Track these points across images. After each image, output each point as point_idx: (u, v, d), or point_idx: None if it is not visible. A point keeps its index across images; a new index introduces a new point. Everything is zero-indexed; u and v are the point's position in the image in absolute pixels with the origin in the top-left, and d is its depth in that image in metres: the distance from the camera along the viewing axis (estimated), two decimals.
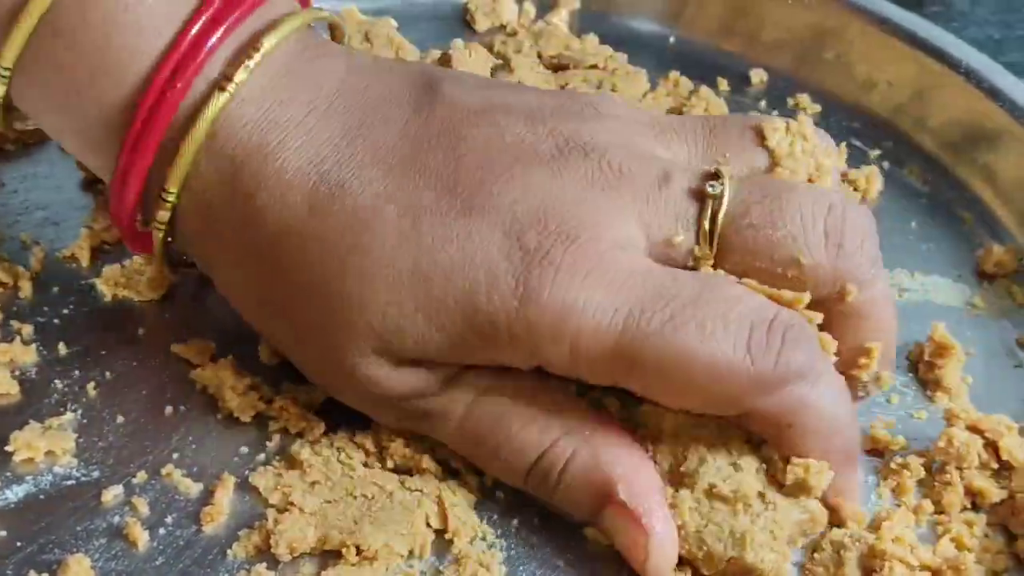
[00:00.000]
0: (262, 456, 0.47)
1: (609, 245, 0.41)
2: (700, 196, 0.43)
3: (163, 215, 0.45)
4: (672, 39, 0.71)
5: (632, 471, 0.42)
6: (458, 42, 0.66)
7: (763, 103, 0.66)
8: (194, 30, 0.42)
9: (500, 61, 0.66)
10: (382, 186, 0.42)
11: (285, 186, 0.43)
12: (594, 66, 0.67)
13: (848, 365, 0.46)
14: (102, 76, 0.43)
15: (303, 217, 0.42)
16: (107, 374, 0.50)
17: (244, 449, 0.47)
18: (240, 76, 0.43)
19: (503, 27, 0.70)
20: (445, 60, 0.64)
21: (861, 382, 0.47)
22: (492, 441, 0.44)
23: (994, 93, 0.60)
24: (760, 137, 0.47)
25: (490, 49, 0.67)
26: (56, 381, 0.49)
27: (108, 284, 0.53)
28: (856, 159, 0.63)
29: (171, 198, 0.44)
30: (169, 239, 0.46)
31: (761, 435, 0.43)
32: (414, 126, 0.44)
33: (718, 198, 0.43)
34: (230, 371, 0.48)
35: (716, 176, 0.44)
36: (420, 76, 0.46)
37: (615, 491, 0.42)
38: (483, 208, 0.42)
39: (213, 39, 0.42)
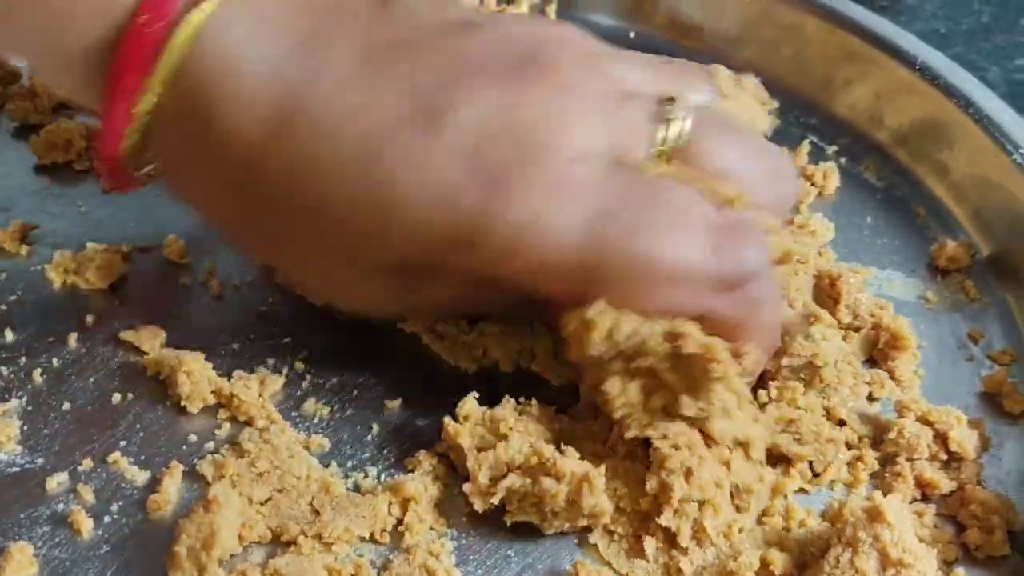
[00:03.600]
0: (211, 444, 0.47)
1: (569, 158, 0.41)
2: (658, 117, 0.44)
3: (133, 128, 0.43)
4: (632, 34, 0.71)
5: None
6: None
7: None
8: None
9: None
10: (346, 101, 0.42)
11: (247, 105, 0.42)
12: None
13: None
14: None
15: (267, 137, 0.42)
16: (54, 361, 0.49)
17: (193, 437, 0.47)
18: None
19: None
20: None
21: None
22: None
23: (948, 90, 0.60)
24: (708, 75, 0.49)
25: None
26: (2, 367, 0.48)
27: (58, 270, 0.52)
28: (814, 156, 0.63)
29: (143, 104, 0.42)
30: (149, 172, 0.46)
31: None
32: (376, 34, 0.44)
33: (676, 121, 0.43)
34: (182, 357, 0.48)
35: (672, 100, 0.44)
36: None
37: None
38: (445, 126, 0.41)
39: None
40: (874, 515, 0.41)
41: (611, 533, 0.45)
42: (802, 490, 0.47)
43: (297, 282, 0.50)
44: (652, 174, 0.43)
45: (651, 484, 0.44)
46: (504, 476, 0.44)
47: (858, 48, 0.64)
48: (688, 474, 0.43)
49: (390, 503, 0.44)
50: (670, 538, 0.44)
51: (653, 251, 0.40)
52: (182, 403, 0.47)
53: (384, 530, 0.44)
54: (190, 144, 0.43)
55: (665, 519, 0.43)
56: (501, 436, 0.46)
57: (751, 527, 0.45)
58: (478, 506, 0.44)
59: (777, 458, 0.47)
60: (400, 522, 0.44)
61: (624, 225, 0.40)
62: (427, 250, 0.42)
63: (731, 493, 0.45)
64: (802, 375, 0.48)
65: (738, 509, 0.45)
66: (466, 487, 0.44)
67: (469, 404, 0.47)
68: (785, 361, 0.48)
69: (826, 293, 0.52)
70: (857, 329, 0.52)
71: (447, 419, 0.47)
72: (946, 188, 0.61)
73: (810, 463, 0.47)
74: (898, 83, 0.63)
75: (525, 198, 0.40)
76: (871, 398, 0.50)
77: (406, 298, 0.46)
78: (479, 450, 0.45)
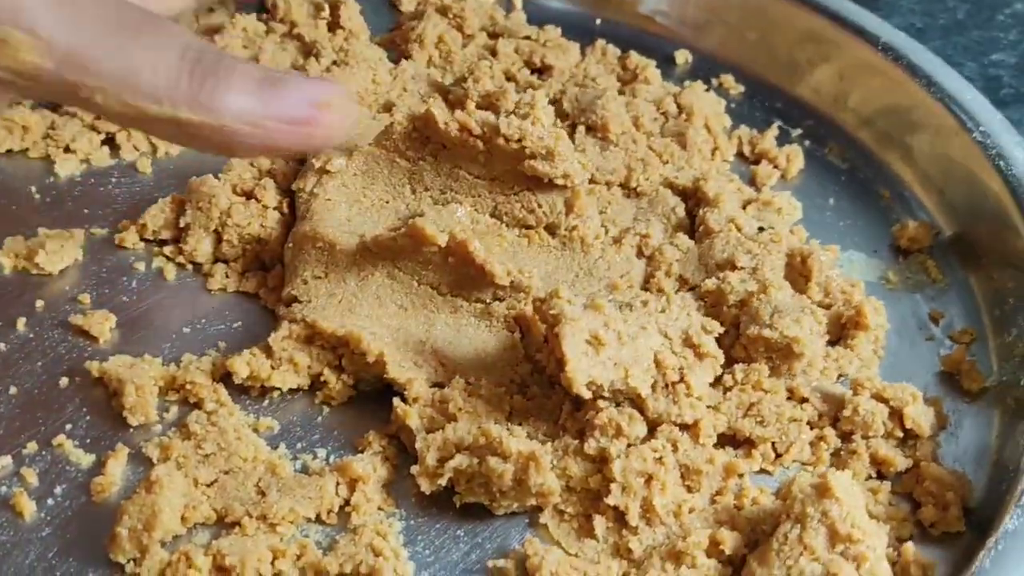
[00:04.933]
0: (158, 427, 0.46)
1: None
2: None
3: None
4: (598, 21, 0.70)
5: None
6: None
7: (687, 83, 0.65)
8: None
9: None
10: None
11: None
12: (527, 37, 0.67)
13: None
14: None
15: None
16: (2, 345, 0.49)
17: (140, 420, 0.46)
18: None
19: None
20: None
21: None
22: None
23: (911, 69, 0.60)
24: None
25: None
26: None
27: (8, 256, 0.52)
28: (779, 139, 0.62)
29: None
30: None
31: None
32: None
33: None
34: (133, 371, 0.47)
35: None
36: None
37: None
38: None
39: None
40: (823, 491, 0.40)
41: (561, 513, 0.44)
42: (764, 471, 0.46)
43: None
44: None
45: (589, 445, 0.44)
46: (452, 457, 0.43)
47: (821, 29, 0.64)
48: (619, 432, 0.44)
49: (337, 484, 0.44)
50: (620, 517, 0.43)
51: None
52: (123, 413, 0.46)
53: (331, 511, 0.43)
54: None
55: (614, 498, 0.43)
56: (450, 417, 0.45)
57: (703, 507, 0.44)
58: (425, 487, 0.43)
59: (740, 441, 0.47)
60: (347, 502, 0.44)
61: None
62: None
63: (681, 474, 0.44)
64: (774, 356, 0.48)
65: (689, 489, 0.44)
66: (413, 469, 0.44)
67: (418, 385, 0.47)
68: (766, 332, 0.47)
69: (797, 271, 0.52)
70: (828, 307, 0.51)
71: (396, 400, 0.46)
72: (910, 169, 0.60)
73: (773, 444, 0.47)
74: (861, 63, 0.62)
75: None
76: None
77: None
78: (428, 431, 0.45)
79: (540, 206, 0.52)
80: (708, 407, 0.46)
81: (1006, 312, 0.52)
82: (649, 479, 0.43)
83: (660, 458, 0.43)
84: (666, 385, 0.45)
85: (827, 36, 0.64)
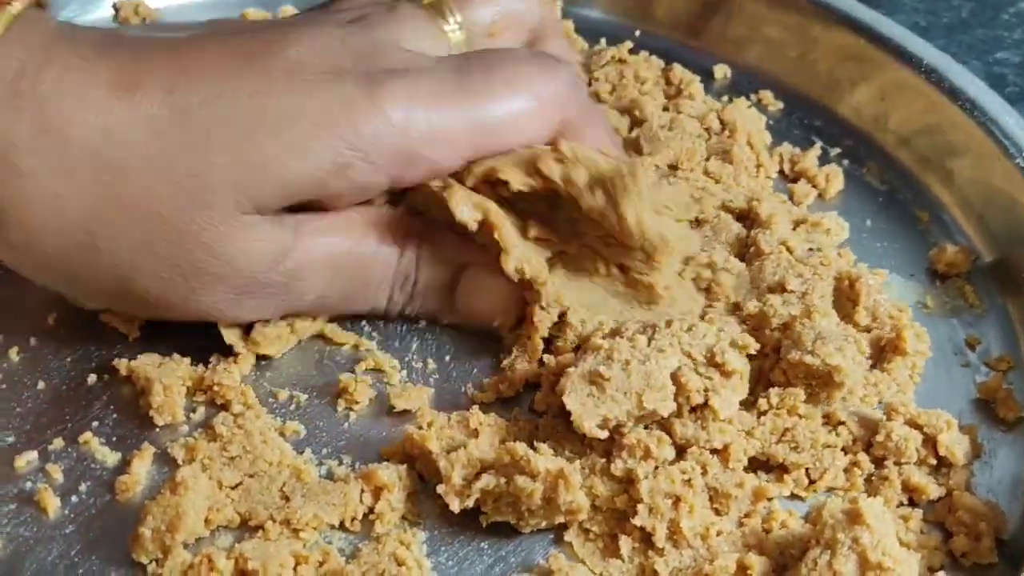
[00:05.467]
0: (185, 427, 0.46)
1: None
2: None
3: None
4: (637, 33, 0.70)
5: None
6: None
7: (725, 98, 0.65)
8: None
9: None
10: None
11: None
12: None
13: None
14: None
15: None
16: (32, 340, 0.49)
17: (167, 419, 0.46)
18: None
19: None
20: None
21: None
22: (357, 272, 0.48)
23: (953, 93, 0.59)
24: None
25: None
26: None
27: None
28: (819, 158, 0.62)
29: None
30: None
31: None
32: None
33: None
34: (161, 370, 0.47)
35: None
36: None
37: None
38: None
39: None
40: (854, 517, 0.40)
41: (587, 531, 0.44)
42: (796, 496, 0.46)
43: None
44: None
45: (616, 466, 0.43)
46: (478, 476, 0.43)
47: (863, 49, 0.63)
48: (647, 453, 0.43)
49: (362, 491, 0.43)
50: (646, 538, 0.43)
51: None
52: (150, 413, 0.46)
53: (355, 518, 0.43)
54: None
55: (640, 519, 0.42)
56: (472, 432, 0.45)
57: (730, 530, 0.43)
58: (454, 506, 0.43)
59: (772, 466, 0.46)
60: (371, 510, 0.43)
61: None
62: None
63: (710, 497, 0.44)
64: (814, 383, 0.47)
65: (717, 512, 0.44)
66: (440, 488, 0.43)
67: (426, 411, 0.47)
68: (807, 359, 0.47)
69: (845, 295, 0.51)
70: (870, 331, 0.50)
71: (409, 428, 0.46)
72: (950, 193, 0.59)
73: (806, 470, 0.46)
74: (903, 85, 0.62)
75: None
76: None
77: None
78: (449, 451, 0.44)
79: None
80: (741, 431, 0.45)
81: None
82: (677, 501, 0.42)
83: (688, 480, 0.43)
84: (693, 409, 0.44)
85: (868, 55, 0.63)
